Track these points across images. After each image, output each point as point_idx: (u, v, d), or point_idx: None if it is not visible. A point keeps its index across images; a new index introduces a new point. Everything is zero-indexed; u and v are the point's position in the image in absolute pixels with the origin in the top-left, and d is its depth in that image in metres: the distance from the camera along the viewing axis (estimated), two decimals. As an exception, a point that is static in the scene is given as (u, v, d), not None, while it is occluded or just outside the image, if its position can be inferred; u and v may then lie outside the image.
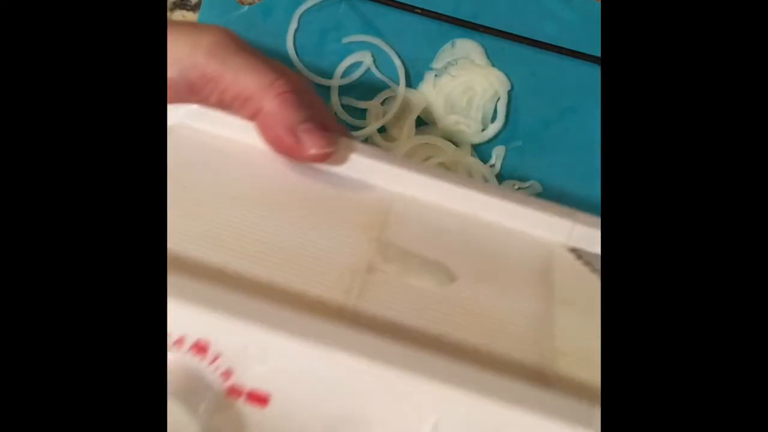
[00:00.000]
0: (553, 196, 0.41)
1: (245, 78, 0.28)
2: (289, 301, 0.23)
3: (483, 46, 0.43)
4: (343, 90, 0.43)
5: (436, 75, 0.43)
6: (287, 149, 0.28)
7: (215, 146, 0.29)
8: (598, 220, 0.30)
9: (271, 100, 0.28)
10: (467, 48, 0.43)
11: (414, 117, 0.42)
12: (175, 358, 0.22)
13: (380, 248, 0.26)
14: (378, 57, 0.43)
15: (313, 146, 0.28)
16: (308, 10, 0.44)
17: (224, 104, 0.29)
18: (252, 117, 0.28)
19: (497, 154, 0.43)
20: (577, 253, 0.30)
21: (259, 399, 0.23)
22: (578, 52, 0.43)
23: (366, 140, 0.43)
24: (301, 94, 0.29)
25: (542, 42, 0.43)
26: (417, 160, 0.42)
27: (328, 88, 0.43)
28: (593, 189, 0.42)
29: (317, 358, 0.22)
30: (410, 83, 0.43)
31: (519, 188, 0.42)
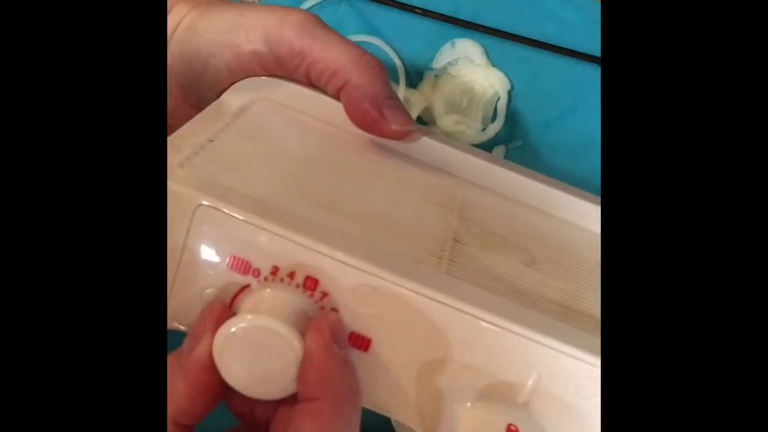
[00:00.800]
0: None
1: (333, 51, 0.28)
2: (394, 249, 0.23)
3: (483, 46, 0.43)
4: (343, 90, 0.43)
5: (436, 75, 0.43)
6: (371, 123, 0.28)
7: (300, 120, 0.30)
8: None
9: (360, 72, 0.28)
10: (467, 48, 0.43)
11: (414, 117, 0.42)
12: (284, 290, 0.22)
13: (463, 223, 0.27)
14: (378, 57, 0.43)
15: (395, 122, 0.28)
16: (308, 10, 0.44)
17: (311, 79, 0.29)
18: (338, 90, 0.29)
19: (497, 154, 0.43)
20: None
21: (361, 342, 0.23)
22: (578, 52, 0.43)
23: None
24: (385, 72, 0.29)
25: (542, 42, 0.43)
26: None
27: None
28: (593, 189, 0.42)
29: (425, 303, 0.22)
30: (410, 83, 0.43)
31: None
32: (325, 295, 0.22)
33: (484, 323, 0.22)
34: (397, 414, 0.24)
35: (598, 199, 0.32)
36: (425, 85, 0.43)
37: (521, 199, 0.31)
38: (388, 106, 0.28)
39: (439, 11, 0.43)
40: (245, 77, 0.30)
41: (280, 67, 0.29)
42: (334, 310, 0.23)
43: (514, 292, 0.24)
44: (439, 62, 0.43)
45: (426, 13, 0.43)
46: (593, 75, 0.43)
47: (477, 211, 0.29)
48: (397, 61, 0.43)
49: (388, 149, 0.30)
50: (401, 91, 0.43)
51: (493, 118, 0.43)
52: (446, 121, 0.42)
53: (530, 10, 0.44)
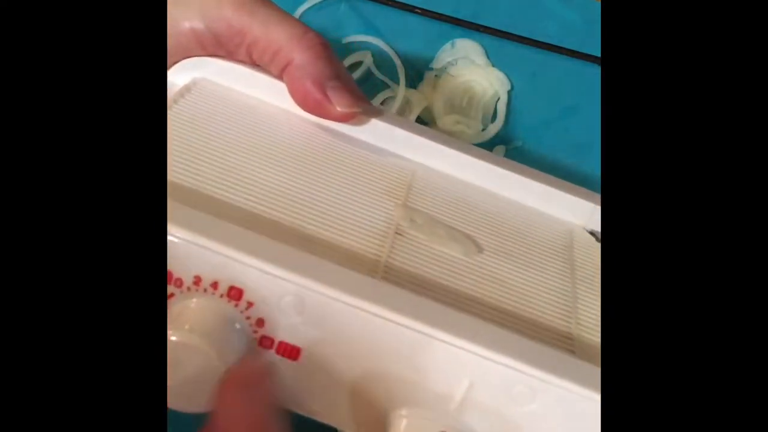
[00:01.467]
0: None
1: (275, 29, 0.27)
2: (325, 255, 0.23)
3: (483, 46, 0.43)
4: (343, 90, 0.43)
5: (436, 75, 0.43)
6: (314, 105, 0.27)
7: (242, 102, 0.28)
8: None
9: (302, 51, 0.27)
10: (467, 48, 0.43)
11: (414, 117, 0.42)
12: (208, 300, 0.22)
13: (408, 213, 0.26)
14: (378, 57, 0.43)
15: (340, 104, 0.27)
16: (308, 9, 0.44)
17: (253, 58, 0.28)
18: (281, 71, 0.28)
19: (497, 154, 0.43)
20: (596, 236, 0.30)
21: (290, 352, 0.22)
22: (578, 52, 0.43)
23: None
24: (331, 50, 0.28)
25: (542, 42, 0.43)
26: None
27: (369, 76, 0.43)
28: (593, 189, 0.42)
29: (354, 313, 0.22)
30: (410, 83, 0.43)
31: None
32: (250, 305, 0.22)
33: (414, 333, 0.22)
34: (331, 420, 0.23)
35: (549, 177, 0.31)
36: (425, 85, 0.43)
37: (475, 181, 0.30)
38: (332, 87, 0.27)
39: (439, 11, 0.43)
40: (184, 57, 0.28)
41: (220, 46, 0.27)
42: (261, 320, 0.22)
43: (449, 295, 0.24)
44: (439, 62, 0.43)
45: (426, 13, 0.43)
46: (593, 75, 0.43)
47: (426, 197, 0.28)
48: (397, 61, 0.43)
49: (336, 133, 0.29)
50: (401, 91, 0.43)
51: (493, 118, 0.43)
52: (446, 121, 0.42)
53: (530, 10, 0.44)
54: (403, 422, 0.22)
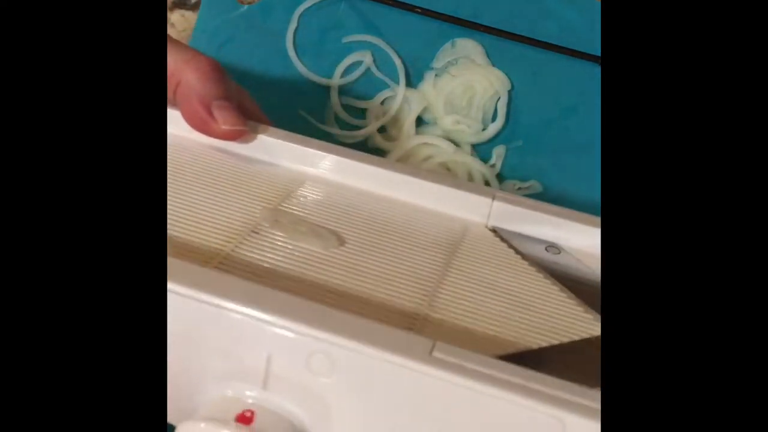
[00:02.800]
0: (553, 196, 0.41)
1: (168, 55, 0.28)
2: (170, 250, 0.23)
3: (483, 45, 0.43)
4: (343, 90, 0.43)
5: (436, 75, 0.43)
6: (200, 123, 0.29)
7: None
8: (520, 199, 0.30)
9: (190, 72, 0.28)
10: (467, 47, 0.43)
11: (414, 117, 0.42)
12: None
13: (273, 215, 0.26)
14: (378, 57, 0.43)
15: (225, 122, 0.28)
16: (308, 9, 0.44)
17: None
18: (173, 93, 0.29)
19: (497, 154, 0.43)
20: (497, 232, 0.29)
21: None
22: (578, 52, 0.43)
23: (365, 140, 0.43)
24: (219, 73, 0.29)
25: (543, 41, 0.43)
26: (417, 160, 0.42)
27: (327, 88, 0.43)
28: (593, 189, 0.42)
29: (177, 300, 0.21)
30: (410, 83, 0.43)
31: (519, 188, 0.42)
32: None
33: (210, 307, 0.21)
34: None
35: (445, 177, 0.31)
36: (425, 85, 0.43)
37: (370, 188, 0.30)
38: (218, 107, 0.28)
39: (439, 11, 0.43)
40: None
41: None
42: None
43: (281, 280, 0.24)
44: (439, 62, 0.43)
45: (426, 13, 0.43)
46: (593, 75, 0.43)
47: (304, 202, 0.28)
48: (397, 61, 0.43)
49: (229, 152, 0.30)
50: (401, 90, 0.43)
51: (494, 117, 0.43)
52: (446, 121, 0.42)
53: (531, 10, 0.44)
54: (207, 402, 0.22)
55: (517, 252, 0.28)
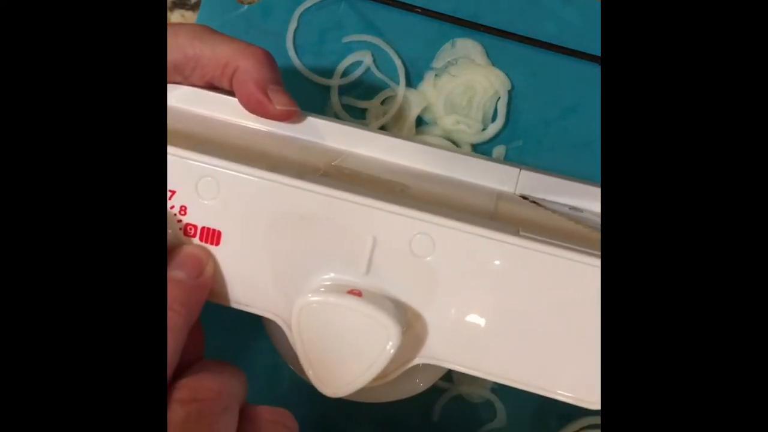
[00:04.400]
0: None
1: (222, 48, 0.31)
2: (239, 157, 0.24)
3: (483, 45, 0.43)
4: (343, 90, 0.43)
5: (436, 75, 0.43)
6: (256, 104, 0.30)
7: (194, 118, 0.31)
8: (544, 172, 0.32)
9: (246, 59, 0.30)
10: (467, 47, 0.43)
11: (414, 117, 0.42)
12: None
13: (332, 167, 0.28)
14: (378, 57, 0.43)
15: (279, 103, 0.30)
16: (308, 9, 0.44)
17: (207, 80, 0.31)
18: (230, 80, 0.31)
19: (497, 154, 0.43)
20: (526, 197, 0.32)
21: (211, 236, 0.24)
22: (578, 52, 0.43)
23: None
24: (272, 60, 0.31)
25: (543, 41, 0.43)
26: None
27: (328, 88, 0.43)
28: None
29: (267, 189, 0.23)
30: (410, 83, 0.43)
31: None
32: (172, 192, 0.23)
33: (317, 196, 0.23)
34: (256, 307, 0.25)
35: (474, 155, 0.34)
36: (425, 85, 0.43)
37: (402, 162, 0.32)
38: (273, 90, 0.30)
39: (439, 11, 0.43)
40: None
41: (177, 72, 0.31)
42: (183, 207, 0.23)
43: (365, 179, 0.27)
44: (439, 62, 0.43)
45: (426, 13, 0.43)
46: (593, 75, 0.43)
47: (355, 164, 0.30)
48: (397, 61, 0.43)
49: (281, 137, 0.32)
50: (401, 90, 0.43)
51: (494, 117, 0.43)
52: (446, 121, 0.42)
53: (530, 10, 0.44)
54: (319, 288, 0.23)
55: (546, 209, 0.30)
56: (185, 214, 0.23)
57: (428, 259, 0.23)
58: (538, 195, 0.32)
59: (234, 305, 0.25)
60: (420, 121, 0.43)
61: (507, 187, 0.32)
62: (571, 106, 0.43)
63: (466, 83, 0.43)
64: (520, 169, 0.32)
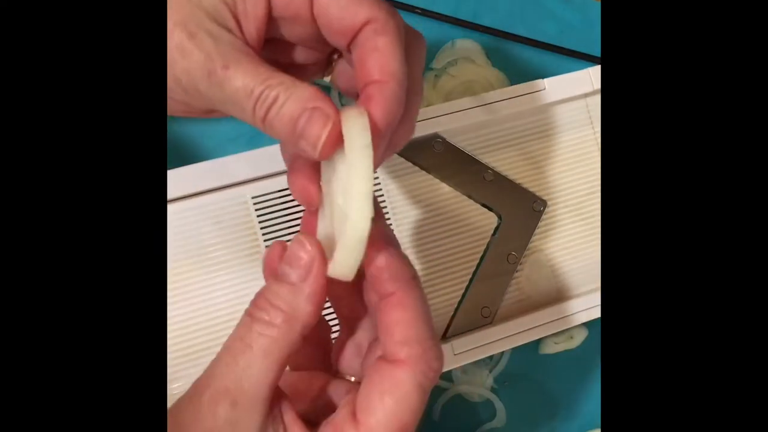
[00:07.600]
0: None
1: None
2: None
3: (483, 45, 0.43)
4: (343, 90, 0.43)
5: (436, 75, 0.43)
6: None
7: None
8: None
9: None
10: (467, 48, 0.43)
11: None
12: None
13: None
14: (378, 57, 0.43)
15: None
16: (308, 9, 0.44)
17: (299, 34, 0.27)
18: (309, 8, 0.26)
19: (497, 154, 0.43)
20: None
21: None
22: (578, 52, 0.43)
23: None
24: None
25: (543, 42, 0.43)
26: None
27: (328, 88, 0.43)
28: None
29: None
30: (410, 83, 0.43)
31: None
32: None
33: None
34: None
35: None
36: (425, 85, 0.43)
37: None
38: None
39: (439, 11, 0.43)
40: None
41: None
42: None
43: None
44: (439, 62, 0.43)
45: (426, 13, 0.43)
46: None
47: None
48: (397, 61, 0.43)
49: None
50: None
51: (493, 118, 0.43)
52: (446, 121, 0.42)
53: (530, 10, 0.44)
54: None
55: None
56: None
57: None
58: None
59: None
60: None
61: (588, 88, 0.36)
62: (571, 107, 0.43)
63: (466, 83, 0.43)
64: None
